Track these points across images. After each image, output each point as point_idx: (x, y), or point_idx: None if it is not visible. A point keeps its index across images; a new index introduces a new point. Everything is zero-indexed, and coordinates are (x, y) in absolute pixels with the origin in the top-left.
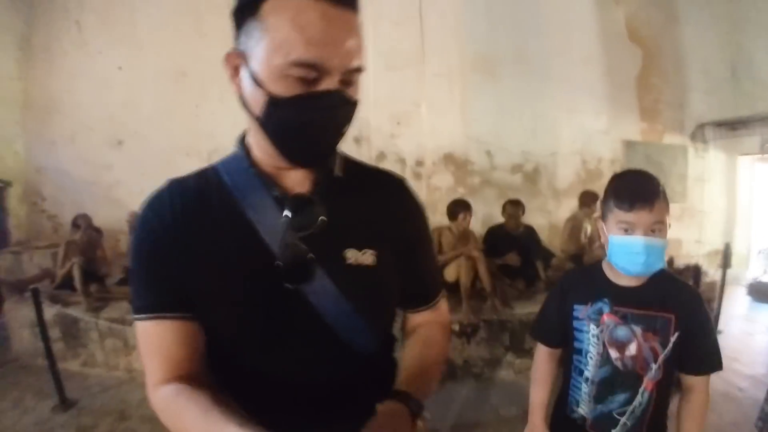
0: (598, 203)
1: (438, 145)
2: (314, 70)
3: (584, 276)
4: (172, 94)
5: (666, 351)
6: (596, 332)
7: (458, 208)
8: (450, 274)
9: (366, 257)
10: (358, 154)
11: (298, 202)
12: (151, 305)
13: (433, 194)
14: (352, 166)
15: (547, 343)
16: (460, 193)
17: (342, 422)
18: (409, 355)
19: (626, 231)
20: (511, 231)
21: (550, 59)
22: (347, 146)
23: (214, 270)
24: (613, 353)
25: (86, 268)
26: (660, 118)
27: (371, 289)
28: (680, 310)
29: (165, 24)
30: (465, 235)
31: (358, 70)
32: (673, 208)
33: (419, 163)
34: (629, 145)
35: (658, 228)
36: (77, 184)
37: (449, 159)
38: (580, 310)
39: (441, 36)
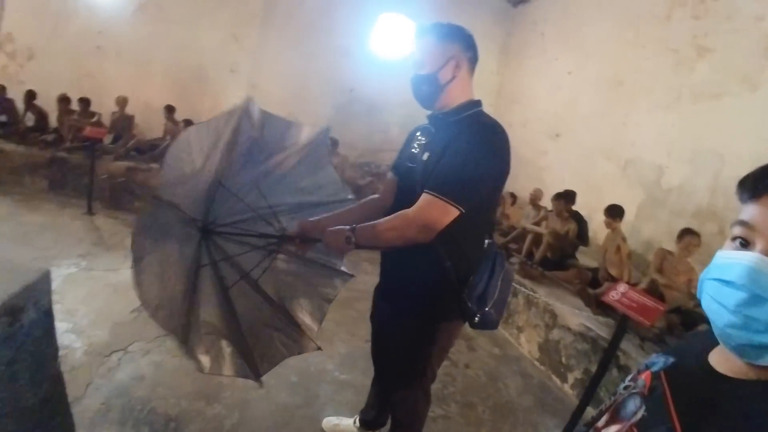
0: None
1: None
2: None
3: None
4: (607, 100)
5: None
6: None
7: None
8: None
9: (425, 156)
10: None
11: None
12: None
13: None
14: (460, 116)
15: None
16: None
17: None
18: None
19: (742, 245)
20: None
21: None
22: None
23: None
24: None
25: None
26: None
27: (421, 175)
28: None
29: (609, 35)
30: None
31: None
32: None
33: None
34: None
35: None
36: (519, 160)
37: None
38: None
39: None
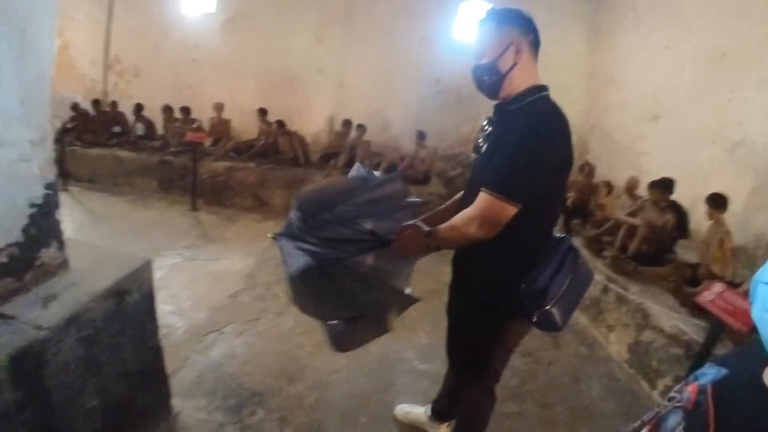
0: None
1: None
2: None
3: None
4: (709, 75)
5: None
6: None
7: None
8: None
9: (485, 148)
10: None
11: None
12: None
13: None
14: (519, 104)
15: None
16: None
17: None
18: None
19: None
20: None
21: None
22: None
23: None
24: None
25: None
26: None
27: (481, 167)
28: None
29: (709, 2)
30: None
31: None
32: None
33: None
34: None
35: None
36: (614, 146)
37: None
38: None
39: None
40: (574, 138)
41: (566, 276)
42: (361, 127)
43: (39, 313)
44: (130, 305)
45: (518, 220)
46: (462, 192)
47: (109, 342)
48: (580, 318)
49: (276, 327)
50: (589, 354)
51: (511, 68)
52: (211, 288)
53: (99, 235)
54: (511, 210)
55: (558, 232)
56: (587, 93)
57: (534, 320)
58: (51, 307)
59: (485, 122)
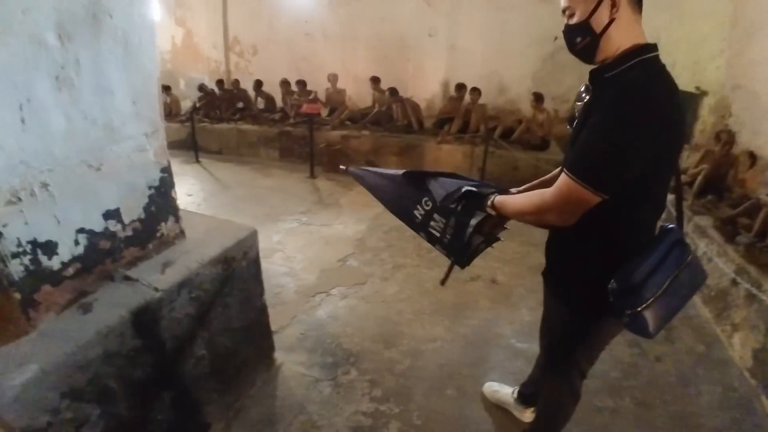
0: None
1: None
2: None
3: None
4: None
5: None
6: None
7: None
8: None
9: (576, 121)
10: None
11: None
12: None
13: None
14: (615, 70)
15: None
16: None
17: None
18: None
19: None
20: None
21: None
22: None
23: None
24: None
25: None
26: None
27: (572, 143)
28: None
29: None
30: None
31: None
32: None
33: None
34: None
35: None
36: (762, 109)
37: None
38: None
39: None
40: (712, 100)
41: (667, 275)
42: (475, 91)
43: (157, 277)
44: (236, 270)
45: (609, 207)
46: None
47: (216, 302)
48: (701, 309)
49: (379, 292)
50: (705, 354)
51: (607, 26)
52: (322, 252)
53: (225, 201)
54: (592, 200)
55: (668, 222)
56: (729, 45)
57: (624, 321)
58: (167, 272)
59: (582, 89)
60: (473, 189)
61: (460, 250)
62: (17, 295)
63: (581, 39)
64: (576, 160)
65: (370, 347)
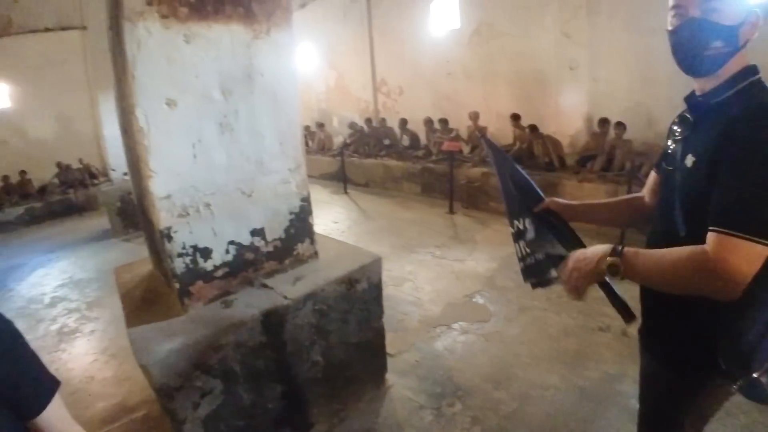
0: None
1: None
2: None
3: None
4: None
5: None
6: None
7: None
8: None
9: (688, 161)
10: None
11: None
12: None
13: None
14: (725, 94)
15: None
16: None
17: None
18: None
19: None
20: None
21: None
22: None
23: None
24: None
25: None
26: None
27: (682, 187)
28: None
29: None
30: None
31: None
32: None
33: None
34: None
35: None
36: None
37: None
38: None
39: None
40: None
41: None
42: (619, 125)
43: (288, 287)
44: (358, 291)
45: None
46: (633, 195)
47: (337, 317)
48: None
49: (501, 332)
50: None
51: (744, 45)
52: (451, 286)
53: (367, 230)
54: (763, 254)
55: None
56: None
57: (736, 386)
58: (297, 285)
59: (675, 122)
60: (559, 255)
61: (534, 281)
62: (177, 285)
63: (722, 44)
64: (735, 212)
65: (479, 384)
